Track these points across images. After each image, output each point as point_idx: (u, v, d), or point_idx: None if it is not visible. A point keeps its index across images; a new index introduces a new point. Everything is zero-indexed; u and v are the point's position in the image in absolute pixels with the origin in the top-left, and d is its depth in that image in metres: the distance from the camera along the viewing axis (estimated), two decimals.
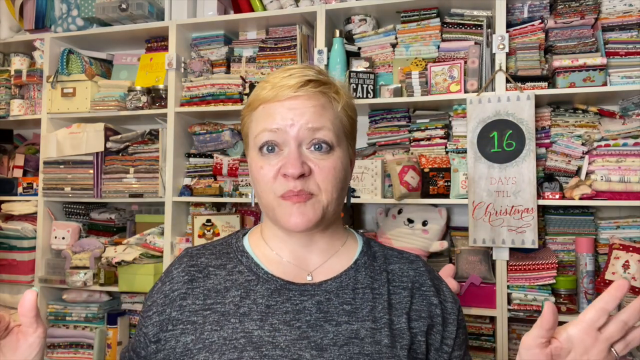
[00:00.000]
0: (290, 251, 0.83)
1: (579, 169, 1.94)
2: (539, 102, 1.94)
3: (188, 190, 2.28)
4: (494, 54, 1.96)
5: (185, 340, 0.76)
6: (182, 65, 2.35)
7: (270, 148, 0.76)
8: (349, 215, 2.13)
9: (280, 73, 0.79)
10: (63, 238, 2.44)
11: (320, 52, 2.13)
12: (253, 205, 0.84)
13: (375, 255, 0.86)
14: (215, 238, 2.24)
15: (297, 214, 0.75)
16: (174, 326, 0.78)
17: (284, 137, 0.75)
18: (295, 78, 0.76)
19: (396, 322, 0.78)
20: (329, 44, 2.16)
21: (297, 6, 2.23)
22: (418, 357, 0.77)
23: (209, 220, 2.26)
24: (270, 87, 0.77)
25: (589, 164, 1.91)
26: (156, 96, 2.33)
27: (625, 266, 1.77)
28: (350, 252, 0.86)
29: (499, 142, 1.89)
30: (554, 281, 1.81)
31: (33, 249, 2.45)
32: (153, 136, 2.38)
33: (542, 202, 1.87)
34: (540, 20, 2.01)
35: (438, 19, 2.10)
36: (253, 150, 0.79)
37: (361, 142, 2.22)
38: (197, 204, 2.34)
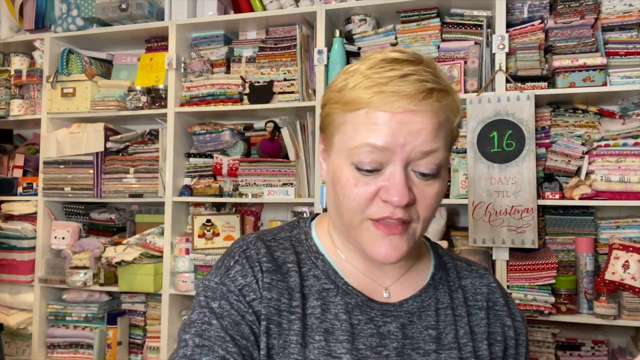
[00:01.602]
0: (363, 262, 0.73)
1: (579, 169, 1.94)
2: (539, 102, 1.94)
3: (188, 190, 2.28)
4: (494, 54, 1.96)
5: (270, 343, 0.66)
6: (182, 65, 2.35)
7: (370, 169, 0.64)
8: None
9: (387, 67, 0.63)
10: (63, 238, 2.44)
11: (320, 52, 2.13)
12: (322, 208, 0.77)
13: (447, 267, 0.79)
14: (215, 238, 2.25)
15: (388, 246, 0.65)
16: (259, 320, 0.67)
17: (390, 156, 0.63)
18: (413, 84, 0.62)
19: (478, 349, 0.72)
20: (329, 44, 2.16)
21: (297, 6, 2.23)
22: None
23: (209, 220, 2.26)
24: (378, 89, 0.62)
25: (589, 164, 1.91)
26: (156, 96, 2.33)
27: (625, 266, 1.77)
28: (425, 265, 0.78)
29: (499, 142, 1.89)
30: (554, 281, 1.81)
31: (33, 249, 2.45)
32: (153, 136, 2.38)
33: (542, 202, 1.87)
34: (540, 20, 2.01)
35: (438, 19, 2.10)
36: (343, 158, 0.66)
37: None
38: (197, 204, 2.34)
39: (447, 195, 2.00)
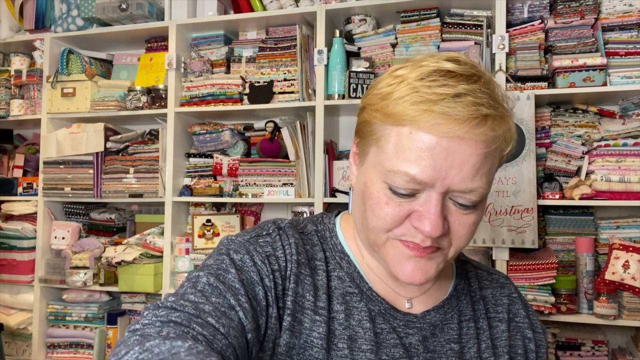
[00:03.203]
0: (387, 273, 0.70)
1: (579, 169, 1.94)
2: (539, 102, 1.94)
3: (188, 190, 2.28)
4: (494, 54, 1.96)
5: (288, 341, 0.63)
6: (182, 65, 2.35)
7: (405, 194, 0.59)
8: None
9: (439, 80, 0.56)
10: (63, 238, 2.44)
11: (320, 52, 2.13)
12: (350, 212, 0.70)
13: (469, 277, 0.76)
14: (215, 238, 2.25)
15: (414, 267, 0.61)
16: (279, 310, 0.63)
17: (425, 187, 0.58)
18: (467, 107, 0.55)
19: None
20: (329, 44, 2.16)
21: (297, 6, 2.23)
22: None
23: (209, 220, 2.26)
24: (426, 107, 0.55)
25: (589, 164, 1.91)
26: (156, 96, 2.33)
27: (625, 266, 1.77)
28: (447, 274, 0.75)
29: None
30: (554, 281, 1.81)
31: (33, 249, 2.45)
32: (153, 136, 2.38)
33: (542, 202, 1.87)
34: (540, 20, 2.01)
35: (438, 19, 2.10)
36: (377, 174, 0.61)
37: None
38: (197, 204, 2.34)
39: None
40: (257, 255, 0.64)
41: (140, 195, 2.31)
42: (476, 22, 2.05)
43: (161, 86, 2.33)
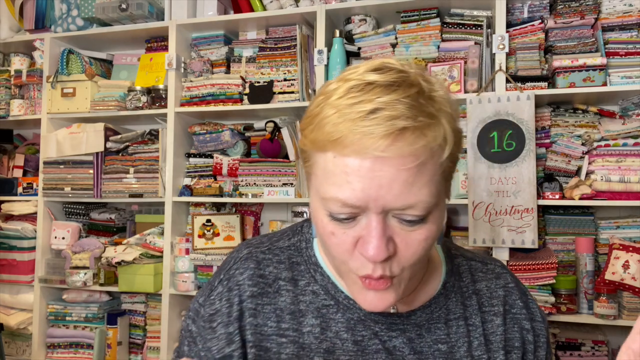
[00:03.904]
0: None
1: (579, 169, 1.94)
2: (539, 102, 1.94)
3: (188, 190, 2.28)
4: (494, 54, 1.96)
5: None
6: (182, 65, 2.35)
7: (346, 218, 0.57)
8: None
9: (358, 96, 0.54)
10: (63, 238, 2.44)
11: (320, 52, 2.13)
12: (314, 236, 0.69)
13: (460, 271, 0.74)
14: (215, 238, 2.25)
15: (374, 298, 0.60)
16: (242, 347, 0.66)
17: (362, 210, 0.56)
18: (382, 123, 0.52)
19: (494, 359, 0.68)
20: (329, 44, 2.16)
21: (297, 6, 2.23)
22: None
23: (209, 220, 2.26)
24: (345, 128, 0.53)
25: (589, 164, 1.91)
26: (156, 96, 2.33)
27: (625, 266, 1.77)
28: (435, 271, 0.72)
29: (499, 142, 1.89)
30: (554, 281, 1.81)
31: (33, 249, 2.45)
32: (153, 136, 2.38)
33: (542, 202, 1.87)
34: (540, 20, 2.01)
35: (438, 19, 2.10)
36: (317, 202, 0.59)
37: None
38: (197, 204, 2.34)
39: None
40: (201, 321, 0.68)
41: (140, 195, 2.31)
42: (476, 22, 2.05)
43: (161, 86, 2.33)
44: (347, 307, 0.67)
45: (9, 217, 2.55)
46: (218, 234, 2.27)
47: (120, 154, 2.40)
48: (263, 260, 0.70)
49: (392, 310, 0.68)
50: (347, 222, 0.57)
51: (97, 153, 2.38)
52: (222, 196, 2.24)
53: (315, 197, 0.60)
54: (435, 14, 2.10)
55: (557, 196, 1.87)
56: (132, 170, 2.34)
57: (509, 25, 2.01)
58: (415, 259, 0.58)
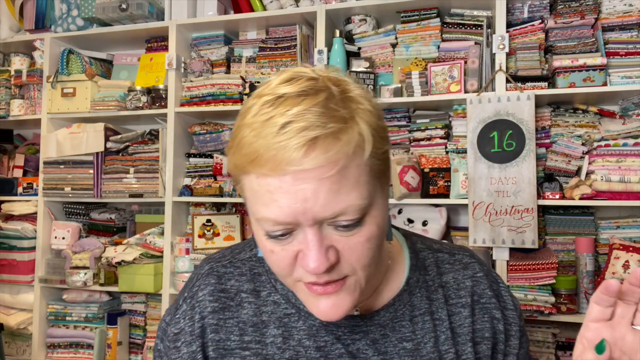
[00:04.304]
0: None
1: (579, 169, 1.94)
2: (539, 102, 1.94)
3: (188, 190, 2.28)
4: (494, 54, 1.96)
5: None
6: (182, 65, 2.35)
7: (282, 234, 0.56)
8: None
9: (270, 111, 0.53)
10: (63, 238, 2.44)
11: (320, 52, 2.13)
12: (260, 255, 0.67)
13: (426, 265, 0.72)
14: (216, 238, 2.25)
15: (326, 306, 0.58)
16: None
17: (295, 225, 0.55)
18: (293, 137, 0.51)
19: (461, 353, 0.67)
20: (329, 44, 2.16)
21: (297, 6, 2.23)
22: None
23: (209, 220, 2.26)
24: (260, 146, 0.53)
25: (589, 164, 1.91)
26: (156, 96, 2.33)
27: (625, 266, 1.77)
28: (399, 268, 0.71)
29: (499, 142, 1.89)
30: (554, 281, 1.81)
31: (33, 249, 2.45)
32: (153, 136, 2.38)
33: (542, 202, 1.87)
34: (540, 20, 2.01)
35: (438, 19, 2.10)
36: (256, 225, 0.59)
37: None
38: (197, 204, 2.34)
39: (447, 196, 2.00)
40: (166, 341, 0.70)
41: (140, 195, 2.31)
42: (476, 22, 2.05)
43: (161, 86, 2.33)
44: (309, 314, 0.66)
45: (9, 217, 2.55)
46: (218, 234, 2.27)
47: (120, 154, 2.40)
48: (224, 274, 0.71)
49: (355, 313, 0.67)
50: (284, 238, 0.56)
51: (97, 153, 2.38)
52: (222, 196, 2.24)
53: (252, 218, 0.59)
54: (435, 14, 2.10)
55: (557, 196, 1.87)
56: (132, 170, 2.34)
57: (509, 25, 2.01)
58: (365, 262, 0.57)
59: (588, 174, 1.90)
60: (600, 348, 0.53)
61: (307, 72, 0.57)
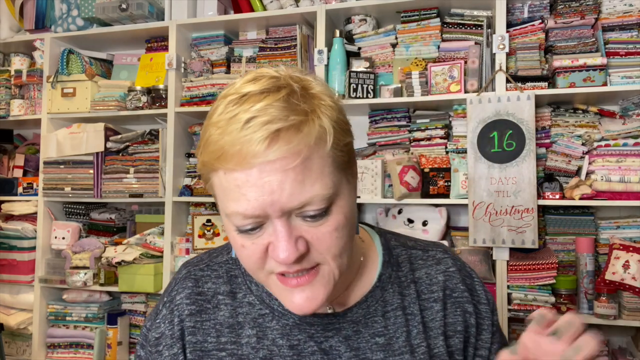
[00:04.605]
0: None
1: (579, 169, 1.94)
2: (539, 102, 1.94)
3: (188, 190, 2.28)
4: (494, 54, 1.96)
5: None
6: (182, 65, 2.35)
7: (251, 228, 0.58)
8: None
9: (235, 109, 0.56)
10: (63, 238, 2.44)
11: (320, 52, 2.13)
12: (234, 255, 0.69)
13: (399, 261, 0.74)
14: (216, 238, 2.25)
15: (300, 298, 0.59)
16: None
17: (264, 217, 0.57)
18: (259, 128, 0.53)
19: (434, 346, 0.69)
20: (329, 44, 2.16)
21: (297, 6, 2.23)
22: None
23: (209, 220, 2.26)
24: (226, 142, 0.55)
25: (589, 164, 1.91)
26: (156, 96, 2.33)
27: (626, 266, 1.77)
28: (372, 265, 0.73)
29: (499, 142, 1.89)
30: (554, 281, 1.81)
31: (33, 249, 2.45)
32: (153, 136, 2.38)
33: (542, 202, 1.87)
34: (540, 20, 2.01)
35: (438, 19, 2.10)
36: (226, 221, 0.61)
37: (361, 142, 2.22)
38: (197, 204, 2.34)
39: (447, 196, 2.00)
40: (148, 346, 0.72)
41: (140, 195, 2.31)
42: (476, 22, 2.05)
43: (161, 86, 2.33)
44: (282, 314, 0.69)
45: (9, 217, 2.55)
46: (218, 234, 2.27)
47: (120, 154, 2.40)
48: (201, 277, 0.73)
49: (328, 311, 0.69)
50: (254, 232, 0.58)
51: (97, 153, 2.38)
52: None
53: (222, 214, 0.61)
54: (435, 14, 2.10)
55: (557, 196, 1.87)
56: (132, 170, 2.34)
57: (509, 25, 2.01)
58: (335, 251, 0.59)
59: (588, 174, 1.90)
60: (513, 349, 0.57)
61: (269, 72, 0.60)
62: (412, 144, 2.13)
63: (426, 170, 2.02)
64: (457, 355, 0.69)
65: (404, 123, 2.14)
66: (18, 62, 2.62)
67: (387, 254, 0.74)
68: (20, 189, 2.52)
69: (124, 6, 2.32)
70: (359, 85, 2.07)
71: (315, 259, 0.59)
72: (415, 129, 2.12)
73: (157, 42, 2.49)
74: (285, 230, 0.56)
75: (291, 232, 0.56)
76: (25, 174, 2.63)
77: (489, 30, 2.04)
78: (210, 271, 0.73)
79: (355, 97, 2.06)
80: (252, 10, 2.27)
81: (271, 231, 0.57)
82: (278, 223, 0.56)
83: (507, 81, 1.93)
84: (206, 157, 0.57)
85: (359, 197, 2.07)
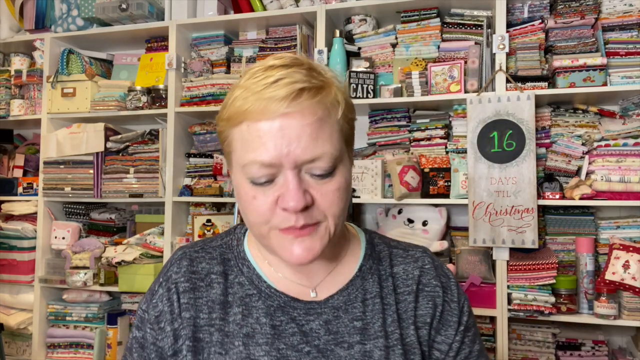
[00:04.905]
0: (288, 267, 0.76)
1: (579, 169, 1.94)
2: (539, 102, 1.94)
3: (188, 190, 2.28)
4: (494, 54, 1.96)
5: (194, 359, 0.71)
6: (182, 65, 2.35)
7: (265, 181, 0.65)
8: (349, 215, 2.12)
9: (261, 75, 0.64)
10: (63, 238, 2.44)
11: (320, 52, 2.13)
12: (235, 222, 0.78)
13: (380, 256, 0.79)
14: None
15: (299, 248, 0.66)
16: (183, 341, 0.72)
17: (279, 167, 0.64)
18: (284, 87, 0.62)
19: (405, 336, 0.73)
20: (329, 44, 2.16)
21: (297, 6, 2.23)
22: None
23: (209, 220, 2.26)
24: (253, 98, 0.63)
25: (589, 164, 1.91)
26: (156, 96, 2.33)
27: (626, 266, 1.77)
28: (354, 257, 0.79)
29: (499, 142, 1.89)
30: (554, 281, 1.81)
31: (33, 249, 2.45)
32: (153, 136, 2.38)
33: (542, 202, 1.87)
34: (540, 20, 2.01)
35: (438, 19, 2.10)
36: (240, 175, 0.67)
37: (361, 142, 2.22)
38: (197, 204, 2.34)
39: (447, 195, 2.00)
40: (148, 324, 0.74)
41: (140, 195, 2.31)
42: (476, 22, 2.05)
43: (161, 86, 2.33)
44: (268, 296, 0.73)
45: (9, 217, 2.55)
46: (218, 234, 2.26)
47: (120, 154, 2.40)
48: (196, 258, 0.77)
49: (312, 295, 0.74)
50: (267, 185, 0.65)
51: (97, 153, 2.38)
52: (222, 196, 2.24)
53: (237, 170, 0.68)
54: (435, 14, 2.10)
55: (557, 196, 1.87)
56: (132, 170, 2.34)
57: (509, 25, 2.01)
58: (335, 210, 0.66)
59: (588, 174, 1.90)
60: None
61: (289, 54, 0.69)
62: (412, 144, 2.13)
63: (426, 170, 2.02)
64: (424, 347, 0.74)
65: (404, 123, 2.14)
66: (18, 62, 2.62)
67: (370, 248, 0.80)
68: (20, 189, 2.52)
69: (124, 6, 2.32)
70: (359, 85, 2.07)
71: (316, 217, 0.66)
72: (415, 129, 2.12)
73: (157, 42, 2.49)
74: (296, 181, 0.63)
75: (300, 184, 0.64)
76: (25, 174, 2.63)
77: (489, 30, 2.04)
78: (205, 253, 0.78)
79: (355, 97, 2.06)
80: (252, 10, 2.27)
81: (282, 183, 0.64)
82: (290, 174, 0.63)
83: (507, 81, 1.93)
84: (232, 112, 0.65)
85: (358, 197, 2.07)
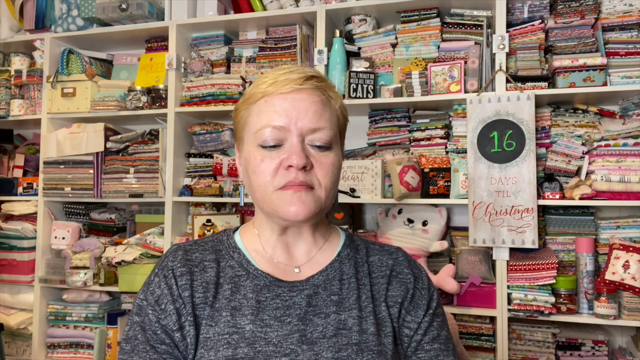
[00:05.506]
0: (278, 246, 0.85)
1: (579, 169, 1.94)
2: (539, 102, 1.94)
3: (188, 190, 2.28)
4: (494, 54, 1.96)
5: (191, 334, 0.78)
6: (182, 65, 2.35)
7: (273, 145, 0.78)
8: (349, 215, 2.13)
9: (279, 70, 0.81)
10: (63, 238, 2.44)
11: (320, 52, 2.13)
12: (242, 204, 0.84)
13: (358, 248, 0.90)
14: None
15: (297, 202, 0.77)
16: (185, 317, 0.79)
17: (287, 133, 0.78)
18: (297, 73, 0.79)
19: (378, 312, 0.82)
20: (329, 44, 2.16)
21: (297, 6, 2.23)
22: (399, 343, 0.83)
23: (209, 220, 2.26)
24: (271, 82, 0.79)
25: (589, 164, 1.91)
26: (156, 96, 2.33)
27: (626, 266, 1.77)
28: (334, 246, 0.89)
29: (499, 142, 1.89)
30: (554, 281, 1.81)
31: (33, 249, 2.45)
32: (153, 136, 2.38)
33: (542, 202, 1.87)
34: (540, 20, 2.01)
35: (438, 19, 2.10)
36: (251, 144, 0.81)
37: (361, 142, 2.22)
38: (197, 204, 2.34)
39: (447, 195, 2.00)
40: (149, 308, 0.80)
41: (140, 195, 2.31)
42: (476, 22, 2.05)
43: (161, 86, 2.33)
44: (256, 276, 0.82)
45: (9, 217, 2.55)
46: None
47: (120, 154, 2.40)
48: (190, 249, 0.86)
49: (296, 271, 0.84)
50: (274, 149, 0.78)
51: (97, 153, 2.38)
52: (222, 196, 2.24)
53: (248, 142, 0.82)
54: (435, 14, 2.10)
55: (557, 196, 1.87)
56: (132, 170, 2.34)
57: (509, 25, 2.01)
58: (327, 181, 0.80)
59: (588, 174, 1.90)
60: None
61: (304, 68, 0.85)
62: (412, 144, 2.13)
63: (426, 170, 2.02)
64: (394, 323, 0.83)
65: (404, 123, 2.14)
66: (18, 62, 2.62)
67: (349, 240, 0.91)
68: (20, 189, 2.52)
69: (124, 6, 2.32)
70: (359, 85, 2.07)
71: (312, 180, 0.78)
72: (415, 129, 2.12)
73: (157, 42, 2.49)
74: (300, 145, 0.78)
75: (303, 148, 0.78)
76: (25, 174, 2.63)
77: (489, 30, 2.04)
78: (198, 246, 0.87)
79: (355, 97, 2.06)
80: (252, 10, 2.27)
81: (287, 148, 0.78)
82: (295, 140, 0.78)
83: (507, 81, 1.93)
84: (255, 93, 0.81)
85: (358, 197, 2.07)
